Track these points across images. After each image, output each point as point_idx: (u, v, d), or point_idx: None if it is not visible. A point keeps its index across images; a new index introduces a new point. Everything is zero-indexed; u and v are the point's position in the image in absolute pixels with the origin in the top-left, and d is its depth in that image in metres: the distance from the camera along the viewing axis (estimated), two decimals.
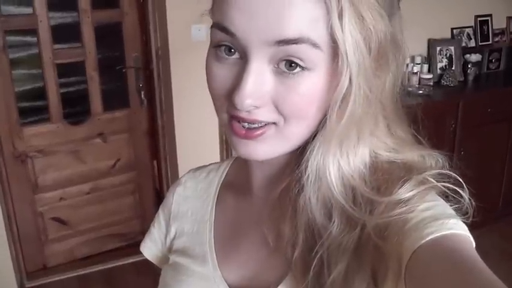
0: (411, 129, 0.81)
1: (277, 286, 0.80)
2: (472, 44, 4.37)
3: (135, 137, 3.74)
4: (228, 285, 0.87)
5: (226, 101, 0.72)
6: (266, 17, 0.66)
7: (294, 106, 0.70)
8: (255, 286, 0.85)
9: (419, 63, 4.05)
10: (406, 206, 0.71)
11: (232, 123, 0.73)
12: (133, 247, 3.82)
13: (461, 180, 0.74)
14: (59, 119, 3.44)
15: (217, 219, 0.95)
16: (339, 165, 0.73)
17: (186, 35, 3.34)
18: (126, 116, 3.67)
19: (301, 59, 0.67)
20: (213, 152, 3.61)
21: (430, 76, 4.01)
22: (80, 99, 3.51)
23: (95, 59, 3.42)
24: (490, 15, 4.42)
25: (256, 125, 0.71)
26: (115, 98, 3.65)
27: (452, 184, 0.74)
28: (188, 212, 1.00)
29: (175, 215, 1.02)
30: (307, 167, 0.75)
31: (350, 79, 0.68)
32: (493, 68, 4.44)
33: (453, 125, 3.80)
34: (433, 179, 0.74)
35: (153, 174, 3.91)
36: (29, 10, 3.17)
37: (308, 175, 0.75)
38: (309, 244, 0.76)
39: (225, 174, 1.00)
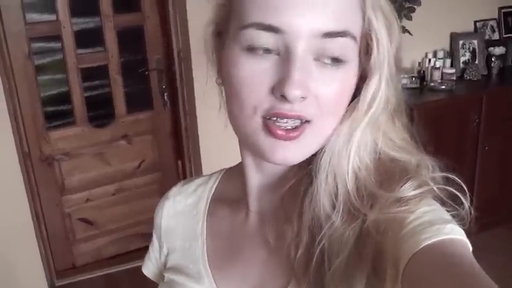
0: (411, 129, 0.83)
1: None
2: (496, 36, 4.29)
3: (159, 138, 3.78)
4: None
5: (264, 99, 0.71)
6: (314, 10, 0.68)
7: (333, 98, 0.72)
8: None
9: (441, 58, 4.01)
10: (406, 205, 0.72)
11: (269, 126, 0.72)
12: None
13: (463, 185, 0.75)
14: (84, 122, 3.49)
15: (209, 235, 0.94)
16: (354, 157, 0.76)
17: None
18: (149, 117, 3.71)
19: (343, 53, 0.70)
20: (235, 152, 3.60)
21: (452, 71, 3.96)
22: (104, 102, 3.55)
23: (118, 62, 3.46)
24: None
25: (295, 123, 0.71)
26: (138, 101, 3.69)
27: (454, 189, 0.75)
28: (178, 228, 0.99)
29: (166, 231, 1.01)
30: (323, 157, 0.76)
31: (380, 77, 0.73)
32: None
33: (477, 120, 3.75)
34: (435, 182, 0.76)
35: (177, 175, 3.95)
36: (52, 17, 3.22)
37: (322, 164, 0.76)
38: (312, 241, 0.76)
39: (214, 187, 0.99)
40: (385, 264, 0.70)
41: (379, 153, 0.78)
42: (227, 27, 0.77)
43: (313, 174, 0.77)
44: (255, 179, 0.87)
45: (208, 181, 1.01)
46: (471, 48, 4.12)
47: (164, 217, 1.02)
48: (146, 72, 3.58)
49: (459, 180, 0.75)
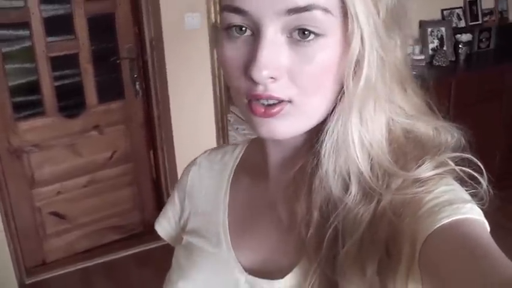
0: (425, 95, 0.80)
1: (291, 270, 0.80)
2: (462, 24, 4.39)
3: (131, 128, 3.72)
4: (243, 268, 0.87)
5: (242, 82, 0.72)
6: None
7: (310, 76, 0.70)
8: (269, 269, 0.85)
9: (411, 45, 4.06)
10: (423, 186, 0.71)
11: (251, 104, 0.72)
12: (133, 239, 3.83)
13: (481, 165, 0.73)
14: (54, 113, 3.41)
15: (231, 201, 0.95)
16: (359, 133, 0.73)
17: (180, 24, 3.32)
18: (121, 107, 3.64)
19: (313, 26, 0.67)
20: (209, 141, 3.61)
21: (422, 57, 4.05)
22: (75, 92, 3.47)
23: (89, 50, 3.39)
24: None
25: (273, 102, 0.71)
26: (110, 90, 3.62)
27: (471, 169, 0.73)
28: (202, 192, 1.00)
29: (190, 195, 1.02)
30: (326, 138, 0.74)
31: (362, 40, 0.69)
32: (484, 47, 4.46)
33: (446, 105, 3.82)
34: (453, 162, 0.74)
35: (150, 165, 3.89)
36: (20, 3, 3.12)
37: (327, 146, 0.74)
38: (323, 221, 0.75)
39: (240, 156, 0.99)
40: (400, 244, 0.69)
41: (390, 125, 0.75)
42: None
43: (320, 156, 0.75)
44: (272, 151, 0.87)
45: (234, 150, 1.01)
46: (439, 35, 4.19)
47: (189, 182, 1.03)
48: (118, 61, 3.52)
49: (476, 160, 0.74)
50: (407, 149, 0.75)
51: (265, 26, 0.68)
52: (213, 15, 3.40)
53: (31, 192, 3.49)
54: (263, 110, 0.71)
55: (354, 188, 0.73)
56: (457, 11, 4.36)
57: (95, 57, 3.42)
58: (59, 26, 3.32)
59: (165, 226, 1.08)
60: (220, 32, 0.75)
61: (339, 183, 0.74)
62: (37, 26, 3.18)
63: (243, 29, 0.71)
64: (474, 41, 4.38)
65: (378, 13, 0.69)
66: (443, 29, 4.19)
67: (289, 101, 0.71)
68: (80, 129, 3.52)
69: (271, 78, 0.68)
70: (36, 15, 3.16)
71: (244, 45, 0.71)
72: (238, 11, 0.69)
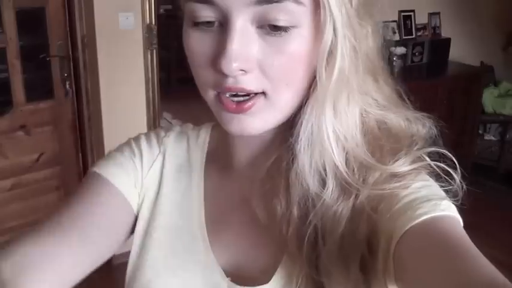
0: (395, 85, 0.80)
1: (274, 270, 0.78)
2: (397, 37, 4.52)
3: (60, 129, 3.58)
4: (223, 270, 0.82)
5: (211, 74, 0.69)
6: None
7: (282, 68, 0.67)
8: (251, 271, 0.81)
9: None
10: (401, 181, 0.71)
11: (221, 98, 0.70)
12: None
13: (455, 161, 0.73)
14: None
15: (205, 196, 0.89)
16: (333, 126, 0.71)
17: (114, 23, 3.25)
18: (50, 107, 3.51)
19: (284, 19, 0.65)
20: None
21: None
22: (1, 88, 3.33)
23: (17, 46, 3.25)
24: (413, 11, 4.58)
25: (245, 98, 0.69)
26: (39, 88, 3.48)
27: (445, 165, 0.73)
28: (170, 182, 0.90)
29: (155, 179, 0.90)
30: (300, 132, 0.72)
31: (334, 30, 0.67)
32: (417, 60, 4.63)
33: None
34: (428, 156, 0.74)
35: (78, 169, 3.76)
36: None
37: (301, 140, 0.72)
38: (303, 218, 0.73)
39: (206, 146, 0.93)
40: (378, 240, 0.68)
41: (363, 116, 0.74)
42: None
43: (295, 150, 0.73)
44: (240, 147, 0.85)
45: (197, 138, 0.94)
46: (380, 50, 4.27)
47: (161, 155, 0.91)
48: (48, 59, 3.40)
49: (450, 155, 0.74)
50: (382, 141, 0.74)
51: (234, 16, 0.65)
52: (147, 16, 3.35)
53: None
54: (234, 106, 0.69)
55: (330, 183, 0.72)
56: (391, 24, 4.46)
57: (24, 53, 3.29)
58: None
59: (122, 179, 0.87)
60: (185, 22, 0.72)
61: (316, 178, 0.73)
62: None
63: (211, 21, 0.68)
64: (408, 54, 4.51)
65: (351, 2, 0.67)
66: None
67: (262, 93, 0.69)
68: (6, 129, 3.36)
69: (242, 70, 0.66)
70: None
71: (213, 37, 0.68)
72: (206, 1, 0.66)
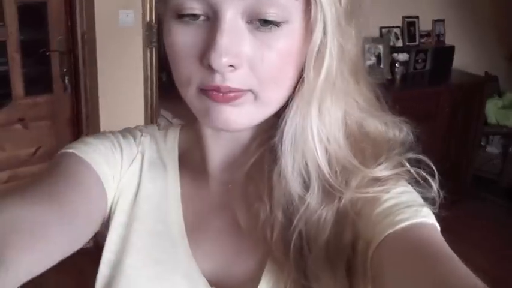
0: (374, 88, 0.79)
1: (259, 276, 0.76)
2: (400, 44, 4.48)
3: (57, 124, 3.61)
4: (207, 280, 0.80)
5: (196, 71, 0.67)
6: None
7: (271, 65, 0.66)
8: (235, 279, 0.79)
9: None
10: (383, 186, 0.71)
11: (207, 91, 0.67)
12: None
13: (434, 168, 0.73)
14: None
15: (182, 198, 0.86)
16: (318, 127, 0.70)
17: (114, 20, 3.26)
18: (48, 101, 3.54)
19: (275, 12, 0.64)
20: None
21: None
22: (0, 81, 3.36)
23: (18, 40, 3.28)
24: (417, 17, 4.55)
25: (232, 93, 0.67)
26: (38, 83, 3.51)
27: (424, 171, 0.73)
28: (146, 185, 0.86)
29: (133, 178, 0.87)
30: (284, 131, 0.71)
31: (324, 28, 0.66)
32: (420, 67, 4.57)
33: None
34: (407, 161, 0.74)
35: None
36: None
37: (285, 140, 0.71)
38: (287, 222, 0.72)
39: (176, 149, 0.89)
40: (358, 244, 0.68)
41: (346, 119, 0.73)
42: None
43: (278, 151, 0.72)
44: (215, 149, 0.82)
45: (165, 140, 0.91)
46: (376, 52, 4.24)
47: (139, 158, 0.88)
48: (47, 53, 3.42)
49: (429, 162, 0.74)
50: (363, 145, 0.73)
51: (224, 8, 0.64)
52: (148, 14, 3.36)
53: None
54: (221, 95, 0.67)
55: (314, 186, 0.71)
56: (395, 30, 4.44)
57: (24, 47, 3.32)
58: None
59: (103, 167, 0.82)
60: (167, 17, 0.70)
61: (299, 180, 0.71)
62: None
63: (196, 15, 0.66)
64: (410, 61, 4.47)
65: (340, 1, 0.67)
66: (380, 46, 4.24)
67: (250, 91, 0.68)
68: (4, 121, 3.39)
69: (231, 66, 0.65)
70: None
71: (199, 31, 0.66)
72: None
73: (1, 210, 0.65)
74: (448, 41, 4.82)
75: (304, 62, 0.69)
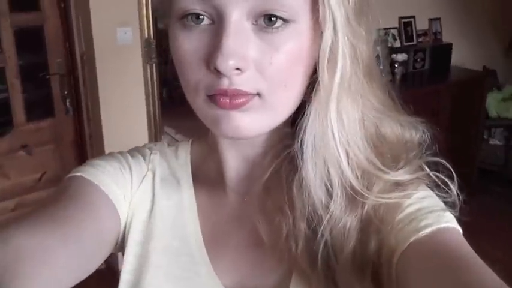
0: (388, 88, 0.77)
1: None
2: (398, 44, 4.52)
3: (61, 147, 3.57)
4: None
5: (203, 75, 0.65)
6: None
7: (280, 67, 0.64)
8: None
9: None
10: (405, 191, 0.69)
11: (215, 98, 0.65)
12: None
13: (453, 172, 0.72)
14: None
15: (199, 212, 0.84)
16: (338, 130, 0.68)
17: (111, 39, 3.24)
18: (51, 125, 3.50)
19: (282, 10, 0.62)
20: None
21: None
22: (1, 109, 3.32)
23: (16, 65, 3.25)
24: (413, 17, 4.57)
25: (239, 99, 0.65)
26: (39, 107, 3.48)
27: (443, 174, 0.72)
28: (160, 204, 0.85)
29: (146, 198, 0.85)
30: (304, 139, 0.69)
31: (334, 28, 0.64)
32: (419, 67, 4.61)
33: None
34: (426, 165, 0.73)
35: None
36: None
37: (306, 148, 0.69)
38: (312, 233, 0.71)
39: (189, 163, 0.88)
40: (382, 250, 0.67)
41: (364, 120, 0.71)
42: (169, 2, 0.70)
43: (297, 159, 0.70)
44: (230, 161, 0.80)
45: (177, 156, 0.89)
46: (375, 54, 4.24)
47: (150, 174, 0.86)
48: (47, 77, 3.39)
49: (448, 165, 0.73)
50: (381, 148, 0.72)
51: (229, 10, 0.62)
52: (146, 30, 3.34)
53: None
54: (228, 101, 0.64)
55: (337, 192, 0.69)
56: (392, 31, 4.46)
57: (23, 72, 3.29)
58: None
59: (112, 188, 0.80)
60: (172, 23, 0.68)
61: (322, 189, 0.70)
62: None
63: (201, 17, 0.65)
64: (409, 61, 4.51)
65: (348, 2, 0.65)
66: (379, 48, 4.25)
67: (257, 94, 0.66)
68: (7, 149, 3.35)
69: (237, 69, 0.63)
70: None
71: (204, 35, 0.65)
72: None
73: (5, 240, 0.64)
74: (445, 38, 4.84)
75: (314, 64, 0.67)
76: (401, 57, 4.31)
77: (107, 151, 3.34)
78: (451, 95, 4.29)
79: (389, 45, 4.40)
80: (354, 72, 0.68)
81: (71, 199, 0.74)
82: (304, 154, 0.69)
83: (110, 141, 3.41)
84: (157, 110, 3.53)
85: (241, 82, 0.64)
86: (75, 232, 0.69)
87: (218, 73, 0.63)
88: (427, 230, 0.64)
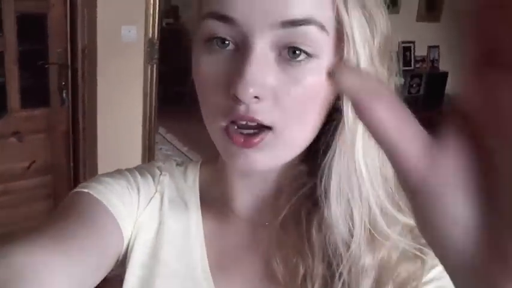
0: None
1: None
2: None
3: (53, 138, 3.54)
4: None
5: (222, 101, 0.65)
6: None
7: (297, 99, 0.64)
8: None
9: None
10: (421, 241, 0.71)
11: (230, 132, 0.65)
12: None
13: None
14: None
15: (206, 237, 0.83)
16: (365, 171, 0.68)
17: (116, 36, 3.24)
18: (45, 115, 3.48)
19: (307, 44, 0.62)
20: (134, 159, 3.50)
21: None
22: None
23: (16, 51, 3.22)
24: (413, 42, 4.61)
25: (254, 131, 0.65)
26: (35, 95, 3.45)
27: None
28: (167, 227, 0.84)
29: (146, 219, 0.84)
30: (328, 179, 0.70)
31: (357, 67, 0.64)
32: (414, 92, 4.65)
33: None
34: None
35: (69, 179, 3.71)
36: None
37: (330, 188, 0.69)
38: (330, 273, 0.71)
39: (197, 186, 0.87)
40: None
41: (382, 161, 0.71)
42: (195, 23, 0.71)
43: (320, 199, 0.71)
44: (241, 190, 0.81)
45: (185, 177, 0.88)
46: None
47: (158, 195, 0.85)
48: (46, 66, 3.37)
49: None
50: (392, 190, 0.72)
51: (255, 38, 0.62)
52: (150, 30, 3.34)
53: None
54: (242, 140, 0.65)
55: (358, 232, 0.69)
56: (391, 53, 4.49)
57: (22, 58, 3.26)
58: None
59: (119, 208, 0.79)
60: (196, 45, 0.68)
61: (345, 228, 0.70)
62: None
63: (226, 42, 0.64)
64: (405, 85, 4.53)
65: (373, 39, 0.65)
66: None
67: (270, 128, 0.65)
68: None
69: (256, 97, 0.62)
70: None
71: (227, 60, 0.64)
72: (225, 19, 0.62)
73: (7, 256, 0.63)
74: (442, 66, 4.89)
75: (333, 102, 0.68)
76: (397, 81, 4.35)
77: (99, 146, 3.37)
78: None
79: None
80: None
81: (76, 216, 0.74)
82: (327, 193, 0.69)
83: (103, 136, 3.41)
84: (153, 111, 3.53)
85: (258, 111, 0.64)
86: (78, 250, 0.69)
87: (237, 100, 0.63)
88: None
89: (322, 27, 0.62)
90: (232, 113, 0.64)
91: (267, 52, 0.62)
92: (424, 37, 4.72)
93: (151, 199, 0.83)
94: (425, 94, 4.71)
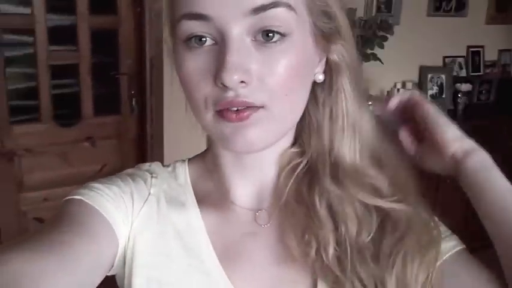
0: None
1: None
2: (463, 73, 4.41)
3: (123, 143, 3.74)
4: None
5: (209, 92, 0.70)
6: None
7: (282, 77, 0.70)
8: None
9: (410, 89, 4.08)
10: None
11: (221, 113, 0.70)
12: None
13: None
14: (49, 120, 3.43)
15: (208, 229, 0.85)
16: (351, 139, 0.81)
17: None
18: (116, 122, 3.67)
19: (278, 25, 0.68)
20: None
21: None
22: (72, 101, 3.51)
23: (89, 63, 3.42)
24: (482, 47, 4.47)
25: (244, 108, 0.70)
26: (106, 103, 3.65)
27: None
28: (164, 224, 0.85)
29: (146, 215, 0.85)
30: (324, 146, 0.80)
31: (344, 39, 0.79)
32: (483, 99, 4.48)
33: None
34: None
35: None
36: (27, 10, 3.18)
37: (328, 155, 0.80)
38: (339, 238, 0.77)
39: (189, 183, 0.89)
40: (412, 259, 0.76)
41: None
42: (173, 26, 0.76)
43: (316, 171, 0.80)
44: (237, 178, 0.85)
45: (175, 176, 0.90)
46: (439, 82, 4.21)
47: (153, 197, 0.86)
48: (117, 76, 3.56)
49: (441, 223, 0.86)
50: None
51: (230, 28, 0.67)
52: None
53: (19, 195, 3.49)
54: (234, 115, 0.69)
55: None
56: (459, 59, 4.38)
57: (95, 69, 3.46)
58: (62, 35, 3.37)
59: (113, 213, 0.79)
60: (177, 45, 0.74)
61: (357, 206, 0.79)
62: (41, 34, 3.23)
63: (203, 39, 0.70)
64: (474, 91, 4.39)
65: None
66: (443, 76, 4.21)
67: (262, 107, 0.70)
68: (73, 139, 3.54)
69: (242, 82, 0.68)
70: (41, 23, 3.21)
71: (208, 55, 0.70)
72: (199, 17, 0.68)
73: (5, 263, 0.64)
74: None
75: (312, 72, 0.78)
76: (465, 87, 4.23)
77: (166, 152, 3.50)
78: None
79: (455, 73, 4.33)
80: (359, 75, 0.83)
81: (70, 223, 0.73)
82: (325, 160, 0.81)
83: (170, 143, 3.56)
84: None
85: (247, 94, 0.69)
86: (74, 256, 0.69)
87: (224, 87, 0.68)
88: (456, 249, 0.80)
89: (289, 7, 0.69)
90: (222, 100, 0.69)
91: (244, 38, 0.68)
92: (494, 40, 4.58)
93: (145, 202, 0.84)
94: (495, 100, 4.54)
